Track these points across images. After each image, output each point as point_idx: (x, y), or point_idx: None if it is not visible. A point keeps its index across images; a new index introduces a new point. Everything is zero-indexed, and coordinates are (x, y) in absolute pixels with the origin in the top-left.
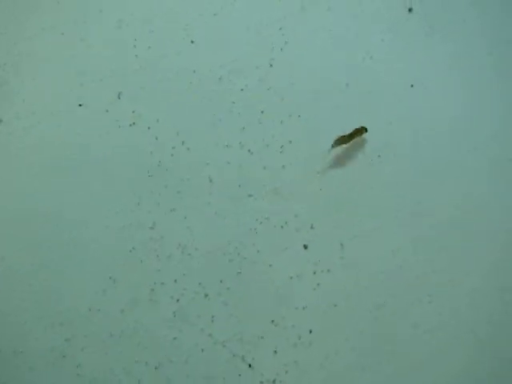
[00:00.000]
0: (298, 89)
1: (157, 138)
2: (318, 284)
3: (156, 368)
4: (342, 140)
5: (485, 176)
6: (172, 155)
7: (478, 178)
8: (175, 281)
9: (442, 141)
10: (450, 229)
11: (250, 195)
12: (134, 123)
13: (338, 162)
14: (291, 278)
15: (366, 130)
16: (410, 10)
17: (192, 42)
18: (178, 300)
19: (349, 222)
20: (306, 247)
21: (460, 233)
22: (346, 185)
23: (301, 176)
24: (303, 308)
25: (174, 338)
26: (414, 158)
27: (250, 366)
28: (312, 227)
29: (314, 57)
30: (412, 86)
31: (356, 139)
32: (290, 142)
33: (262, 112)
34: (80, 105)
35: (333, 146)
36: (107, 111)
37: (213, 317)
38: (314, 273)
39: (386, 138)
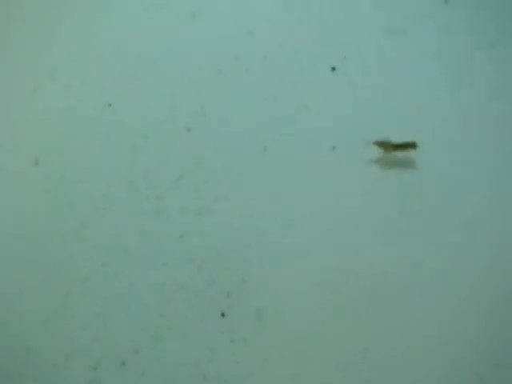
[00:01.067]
0: (217, 152)
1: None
2: (234, 353)
3: None
4: (386, 146)
5: None
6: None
7: None
8: (91, 348)
9: None
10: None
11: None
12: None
13: None
14: (208, 347)
15: (414, 147)
16: (333, 69)
17: (109, 105)
18: (95, 369)
19: (264, 288)
20: (223, 315)
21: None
22: None
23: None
24: (221, 377)
25: None
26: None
27: None
28: (228, 295)
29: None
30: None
31: (400, 153)
32: (208, 208)
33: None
34: None
35: (375, 144)
36: None
37: None
38: (232, 341)
39: None
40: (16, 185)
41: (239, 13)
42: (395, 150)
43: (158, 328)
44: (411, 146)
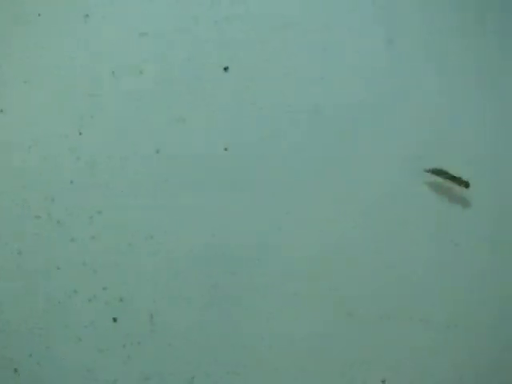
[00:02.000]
0: (109, 156)
1: None
2: (129, 356)
3: None
4: (443, 173)
5: None
6: None
7: None
8: None
9: None
10: None
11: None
12: None
13: None
14: (100, 351)
15: (466, 186)
16: (226, 68)
17: (1, 110)
18: None
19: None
20: (115, 320)
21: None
22: None
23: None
24: (113, 381)
25: None
26: None
27: None
28: (121, 300)
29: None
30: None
31: (451, 184)
32: (100, 212)
33: (71, 182)
34: None
35: (428, 171)
36: None
37: None
38: (124, 346)
39: None
40: None
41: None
42: (450, 180)
43: (50, 332)
44: (464, 183)
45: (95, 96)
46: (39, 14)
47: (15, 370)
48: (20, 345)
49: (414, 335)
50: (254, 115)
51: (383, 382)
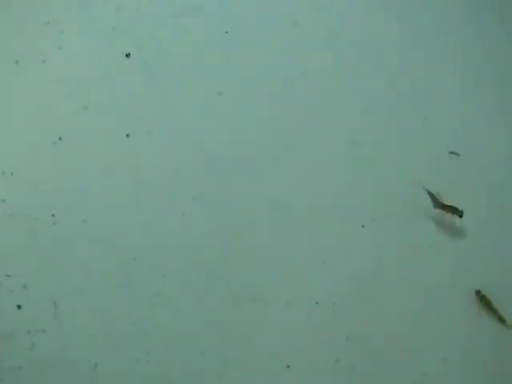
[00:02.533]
0: None
1: None
2: (33, 344)
3: None
4: (440, 204)
5: None
6: None
7: None
8: None
9: None
10: None
11: None
12: None
13: None
14: (4, 338)
15: (460, 216)
16: (128, 55)
17: None
18: None
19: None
20: (19, 307)
21: None
22: None
23: None
24: (18, 368)
25: None
26: None
27: None
28: (25, 287)
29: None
30: (127, 135)
31: (444, 213)
32: (3, 200)
33: None
34: None
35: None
36: None
37: None
38: (29, 332)
39: None
40: None
41: None
42: (443, 209)
43: None
44: (458, 212)
45: None
46: None
47: None
48: None
49: None
50: None
51: None
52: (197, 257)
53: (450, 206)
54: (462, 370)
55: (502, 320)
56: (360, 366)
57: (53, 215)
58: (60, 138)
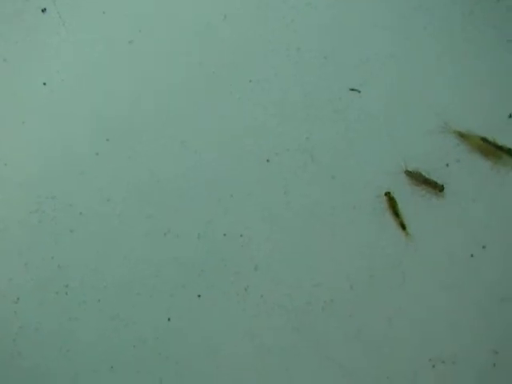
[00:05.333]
0: None
1: None
2: None
3: None
4: (418, 176)
5: None
6: None
7: None
8: None
9: None
10: None
11: None
12: None
13: None
14: None
15: (440, 190)
16: (44, 10)
17: None
18: None
19: None
20: None
21: None
22: None
23: None
24: None
25: None
26: None
27: None
28: None
29: None
30: (44, 84)
31: (426, 187)
32: None
33: None
34: None
35: (406, 173)
36: None
37: None
38: None
39: None
40: None
41: None
42: (424, 184)
43: None
44: (439, 187)
45: None
46: None
47: None
48: None
49: None
50: None
51: None
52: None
53: (431, 182)
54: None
55: (402, 226)
56: (267, 294)
57: None
58: None
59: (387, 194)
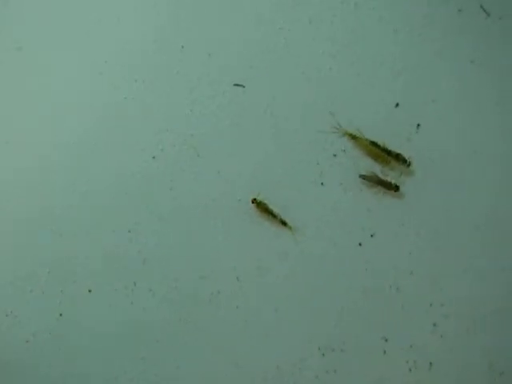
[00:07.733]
0: None
1: None
2: None
3: None
4: (373, 178)
5: None
6: None
7: None
8: None
9: None
10: None
11: None
12: None
13: None
14: None
15: (396, 190)
16: None
17: None
18: None
19: None
20: None
21: None
22: None
23: None
24: None
25: None
26: None
27: None
28: None
29: None
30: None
31: (381, 188)
32: None
33: None
34: None
35: (361, 177)
36: None
37: None
38: None
39: None
40: None
41: None
42: (380, 185)
43: None
44: (394, 187)
45: None
46: None
47: None
48: None
49: None
50: None
51: None
52: None
53: (386, 183)
54: None
55: (283, 223)
56: (156, 287)
57: None
58: None
59: (254, 200)
